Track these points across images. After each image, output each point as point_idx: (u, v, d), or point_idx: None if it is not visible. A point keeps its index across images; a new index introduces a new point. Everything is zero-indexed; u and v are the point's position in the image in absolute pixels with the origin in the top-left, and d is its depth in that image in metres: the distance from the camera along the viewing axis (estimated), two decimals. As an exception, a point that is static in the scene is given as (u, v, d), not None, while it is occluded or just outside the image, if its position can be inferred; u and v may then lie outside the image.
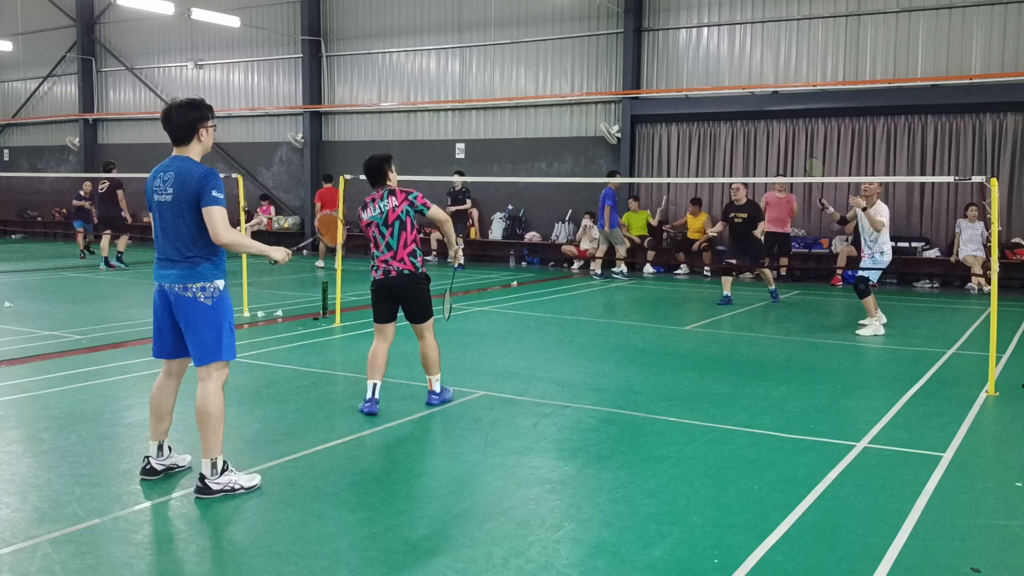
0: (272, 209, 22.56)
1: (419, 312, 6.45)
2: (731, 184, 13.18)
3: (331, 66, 22.28)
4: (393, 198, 6.33)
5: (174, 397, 4.94)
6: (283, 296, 12.98)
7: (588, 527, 4.33)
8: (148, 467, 4.89)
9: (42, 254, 19.87)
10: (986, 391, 7.21)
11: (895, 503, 4.65)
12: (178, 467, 5.01)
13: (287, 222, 22.38)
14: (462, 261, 6.91)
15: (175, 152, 4.69)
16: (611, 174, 16.76)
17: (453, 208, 17.41)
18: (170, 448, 4.97)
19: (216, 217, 4.52)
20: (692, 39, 17.78)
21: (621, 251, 16.17)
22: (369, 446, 5.69)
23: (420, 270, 6.39)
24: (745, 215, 12.45)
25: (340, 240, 6.79)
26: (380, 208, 6.34)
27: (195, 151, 4.69)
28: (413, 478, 5.14)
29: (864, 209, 10.02)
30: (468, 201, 17.51)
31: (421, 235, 6.45)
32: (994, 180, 7.34)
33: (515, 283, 15.54)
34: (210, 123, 4.71)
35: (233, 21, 20.19)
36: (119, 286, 14.67)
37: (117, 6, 24.16)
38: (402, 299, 6.42)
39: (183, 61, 24.52)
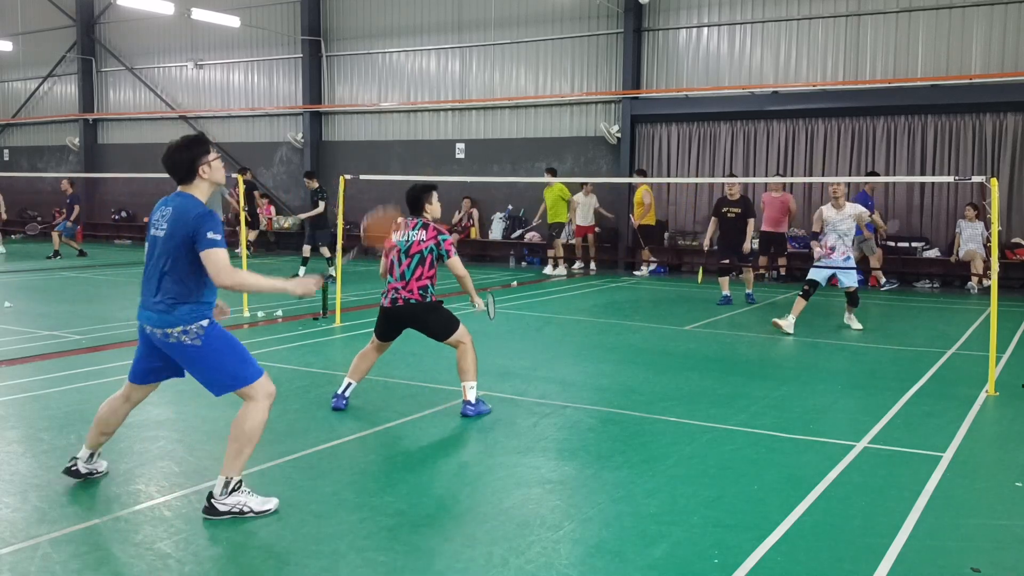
0: (272, 209, 22.56)
1: (438, 332, 6.33)
2: (725, 183, 13.15)
3: (331, 66, 22.28)
4: (424, 232, 6.23)
5: (122, 419, 4.83)
6: (283, 296, 12.97)
7: (588, 527, 4.33)
8: (73, 468, 4.82)
9: (42, 254, 19.87)
10: (986, 391, 7.21)
11: (895, 503, 4.65)
12: (97, 472, 4.90)
13: (287, 222, 22.37)
14: (488, 310, 6.69)
15: (179, 189, 4.46)
16: (871, 174, 15.58)
17: (307, 215, 15.72)
18: (99, 455, 4.92)
19: (216, 260, 4.23)
20: (692, 39, 17.79)
21: (874, 260, 15.21)
22: (369, 446, 5.69)
23: (428, 300, 6.24)
24: (738, 210, 12.44)
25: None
26: (408, 236, 6.25)
27: (200, 189, 4.44)
28: (413, 478, 5.14)
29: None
30: (322, 203, 15.43)
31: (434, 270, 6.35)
32: (994, 180, 7.34)
33: (515, 283, 15.54)
34: (210, 157, 4.44)
35: (233, 21, 20.19)
36: (119, 286, 14.68)
37: (117, 6, 24.16)
38: (413, 326, 6.35)
39: (183, 61, 24.52)
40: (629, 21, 18.02)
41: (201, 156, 4.42)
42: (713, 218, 12.83)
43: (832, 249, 10.37)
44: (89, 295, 13.41)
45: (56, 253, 19.37)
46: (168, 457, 5.37)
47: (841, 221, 10.31)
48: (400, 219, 6.42)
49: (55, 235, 19.72)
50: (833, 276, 10.54)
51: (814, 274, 10.37)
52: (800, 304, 10.28)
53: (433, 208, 6.40)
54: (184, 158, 4.41)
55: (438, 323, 6.31)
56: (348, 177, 11.17)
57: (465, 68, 20.41)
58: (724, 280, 12.68)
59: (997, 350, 7.41)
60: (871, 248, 15.08)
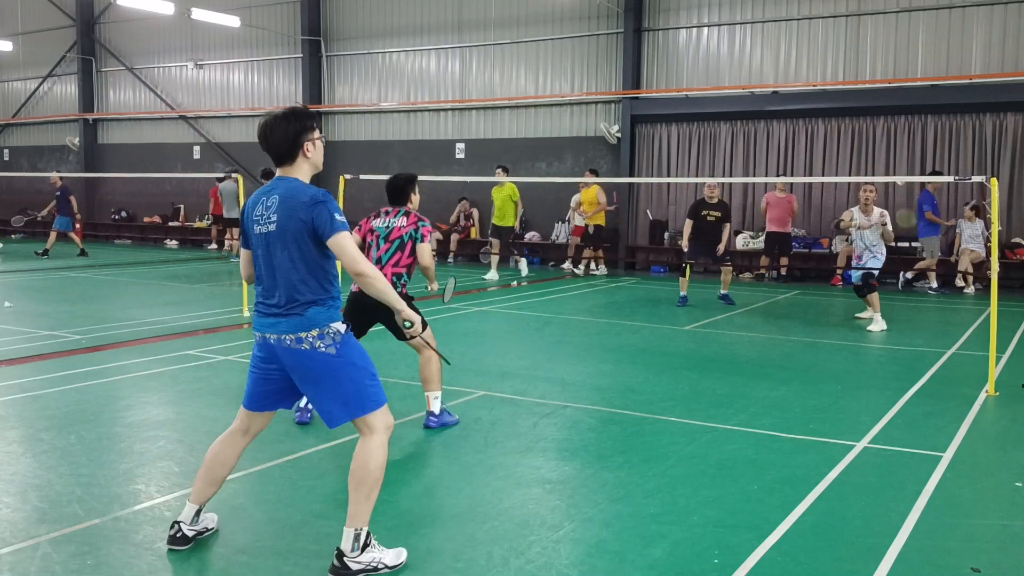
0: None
1: (399, 330, 5.70)
2: (705, 183, 12.98)
3: (331, 66, 22.29)
4: (405, 218, 6.13)
5: (236, 460, 4.11)
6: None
7: (588, 527, 4.33)
8: (180, 536, 3.99)
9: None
10: (986, 391, 7.21)
11: (895, 503, 4.65)
12: (207, 531, 4.14)
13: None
14: (445, 297, 6.10)
15: (278, 173, 3.89)
16: (934, 173, 14.90)
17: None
18: (204, 510, 4.14)
19: (346, 245, 3.71)
20: (692, 39, 17.79)
21: (931, 262, 14.61)
22: (369, 446, 5.68)
23: (398, 290, 5.95)
24: (718, 214, 12.39)
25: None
26: (388, 223, 6.16)
27: (302, 170, 3.86)
28: (413, 478, 5.14)
29: (884, 225, 10.50)
30: None
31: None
32: (994, 180, 7.34)
33: (515, 283, 15.54)
34: (316, 135, 3.87)
35: (233, 21, 20.20)
36: (119, 286, 14.67)
37: (117, 6, 24.16)
38: (378, 318, 5.89)
39: (183, 61, 24.53)
40: (629, 21, 18.02)
41: (307, 131, 3.84)
42: (689, 220, 12.49)
43: (860, 258, 10.61)
44: (89, 295, 13.41)
45: (46, 251, 19.29)
46: (168, 457, 5.37)
47: (869, 230, 10.46)
48: (384, 208, 6.29)
49: (53, 233, 19.63)
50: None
51: (855, 277, 10.74)
52: (875, 297, 10.60)
53: (416, 198, 6.32)
54: (289, 132, 3.81)
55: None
56: (348, 177, 11.16)
57: (465, 68, 20.41)
58: (684, 281, 12.56)
59: (997, 350, 7.41)
60: (934, 248, 14.51)
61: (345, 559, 3.75)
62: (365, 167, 20.39)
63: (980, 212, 14.81)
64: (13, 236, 26.17)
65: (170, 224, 24.80)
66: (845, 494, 4.81)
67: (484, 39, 20.02)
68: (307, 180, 3.88)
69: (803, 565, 3.90)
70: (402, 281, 6.08)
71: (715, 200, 12.43)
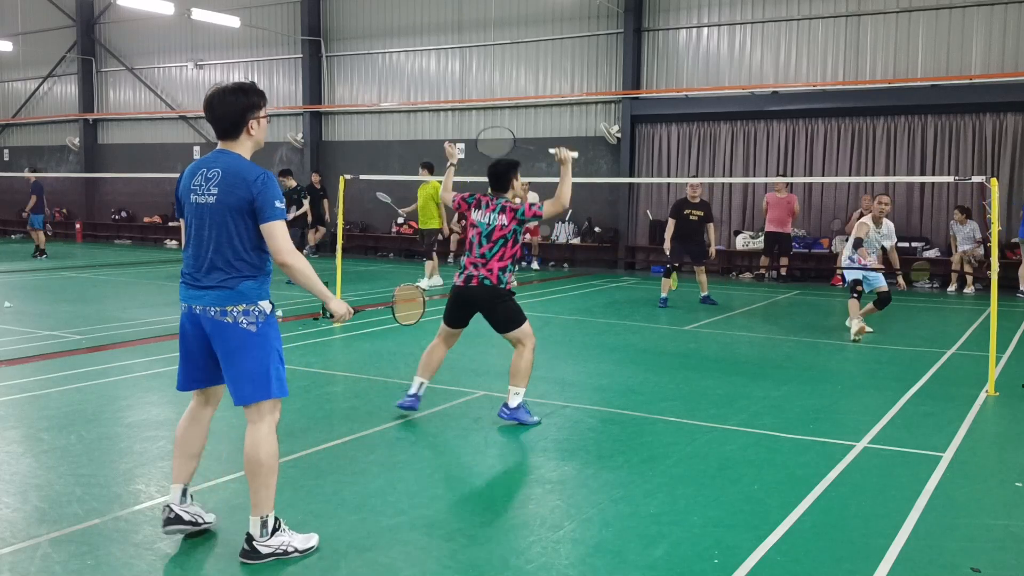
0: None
1: (501, 322, 6.14)
2: (688, 182, 12.96)
3: (331, 66, 22.29)
4: (504, 216, 6.11)
5: (206, 431, 4.15)
6: (283, 296, 12.97)
7: (588, 527, 4.33)
8: (173, 516, 3.98)
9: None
10: (986, 391, 7.21)
11: (895, 503, 4.65)
12: (203, 523, 4.10)
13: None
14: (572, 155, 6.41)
15: (220, 146, 3.88)
16: None
17: (290, 215, 14.43)
18: (192, 496, 4.13)
19: (279, 234, 3.76)
20: (692, 39, 17.79)
21: None
22: (369, 446, 5.69)
23: (503, 285, 6.08)
24: (701, 213, 12.38)
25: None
26: (489, 219, 6.13)
27: (245, 147, 3.87)
28: (413, 478, 5.14)
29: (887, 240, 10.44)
30: (304, 202, 15.55)
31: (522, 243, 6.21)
32: (994, 180, 7.34)
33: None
34: (262, 113, 3.86)
35: (233, 21, 20.20)
36: (119, 286, 14.67)
37: (117, 6, 24.16)
38: (481, 311, 6.16)
39: (183, 61, 24.53)
40: (629, 21, 18.03)
41: (254, 108, 3.83)
42: (671, 220, 12.40)
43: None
44: (89, 295, 13.41)
45: (41, 251, 19.27)
46: (168, 457, 5.36)
47: (877, 240, 10.33)
48: (481, 196, 6.29)
49: (34, 232, 19.47)
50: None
51: (854, 274, 10.30)
52: (855, 304, 10.04)
53: (518, 184, 6.32)
54: (236, 107, 3.79)
55: (505, 313, 6.11)
56: (348, 177, 11.17)
57: (465, 68, 20.41)
58: (667, 282, 12.44)
59: (997, 350, 7.40)
60: None
61: (254, 543, 3.84)
62: (365, 167, 20.42)
63: (970, 214, 14.84)
64: (13, 236, 26.17)
65: (170, 224, 24.80)
66: (845, 494, 4.81)
67: (484, 39, 20.02)
68: (248, 157, 3.88)
69: (803, 565, 3.90)
70: (507, 274, 6.11)
71: (697, 200, 12.42)
